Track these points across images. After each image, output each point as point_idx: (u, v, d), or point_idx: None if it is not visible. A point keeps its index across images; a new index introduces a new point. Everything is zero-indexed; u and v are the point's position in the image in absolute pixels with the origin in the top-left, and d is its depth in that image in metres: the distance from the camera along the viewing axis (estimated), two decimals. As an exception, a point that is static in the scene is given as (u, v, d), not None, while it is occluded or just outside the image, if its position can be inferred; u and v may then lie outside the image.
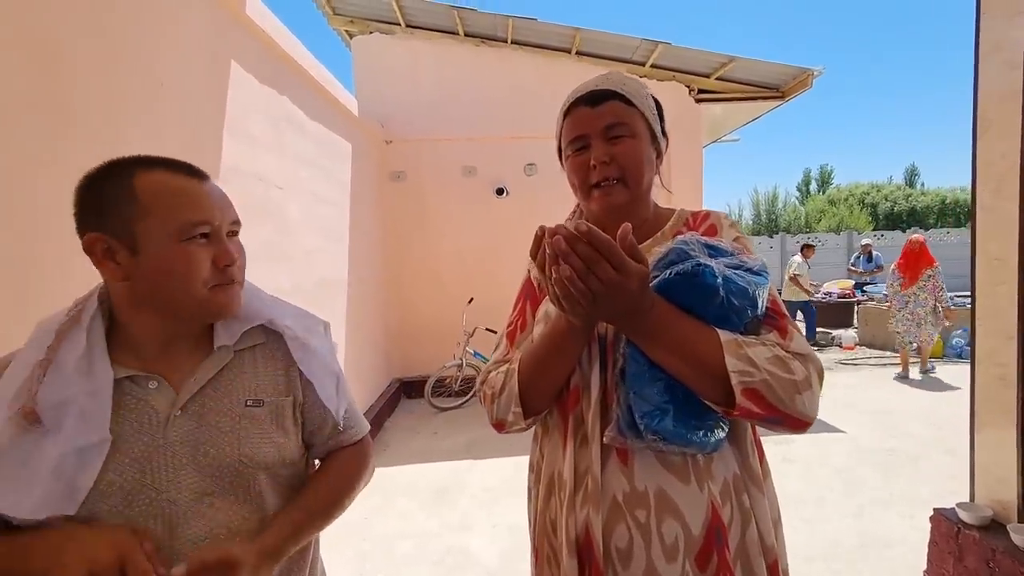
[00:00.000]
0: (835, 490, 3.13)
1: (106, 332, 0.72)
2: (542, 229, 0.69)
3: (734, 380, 0.69)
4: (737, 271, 0.74)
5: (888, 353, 7.04)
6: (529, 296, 0.98)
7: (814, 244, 8.03)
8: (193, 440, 0.72)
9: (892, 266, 5.93)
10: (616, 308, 0.69)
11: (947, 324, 5.71)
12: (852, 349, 7.42)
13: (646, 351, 0.74)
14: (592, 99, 0.85)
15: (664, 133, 0.92)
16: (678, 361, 0.72)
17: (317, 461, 0.91)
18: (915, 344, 5.73)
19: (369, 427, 0.96)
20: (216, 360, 0.77)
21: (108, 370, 0.69)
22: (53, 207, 1.42)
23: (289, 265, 3.01)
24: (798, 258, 7.52)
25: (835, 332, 7.79)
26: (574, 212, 1.01)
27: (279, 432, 0.79)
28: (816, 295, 8.16)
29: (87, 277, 1.44)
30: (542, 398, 0.84)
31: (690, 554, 0.76)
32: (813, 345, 6.99)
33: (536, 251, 0.70)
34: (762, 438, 0.88)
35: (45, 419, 0.65)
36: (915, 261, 5.67)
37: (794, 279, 7.28)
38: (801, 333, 0.79)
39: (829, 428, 4.17)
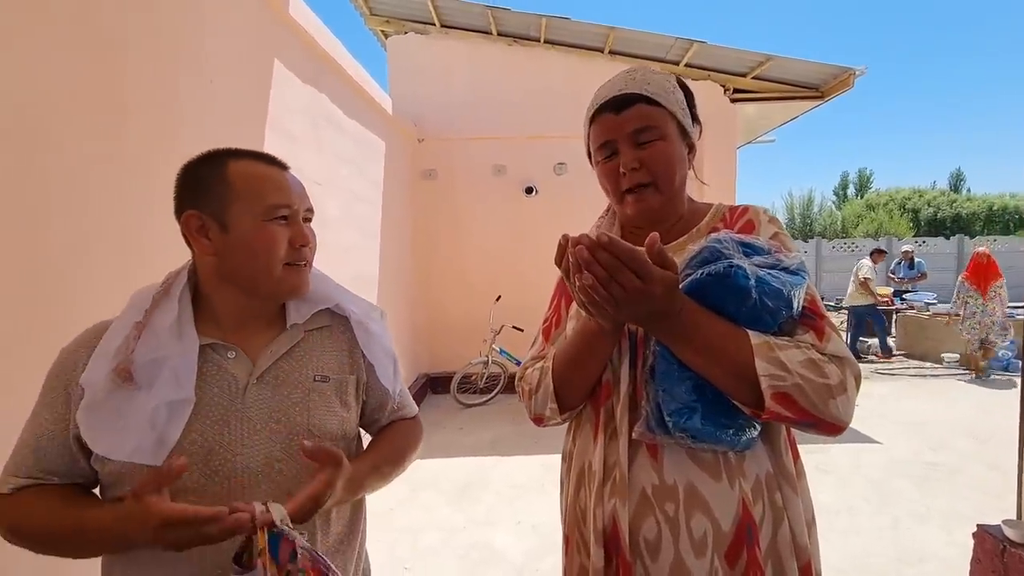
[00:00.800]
0: (870, 502, 3.04)
1: (192, 304, 0.79)
2: (565, 238, 0.70)
3: (764, 384, 0.69)
4: (772, 271, 0.73)
5: (928, 364, 6.78)
6: (564, 293, 0.99)
7: (885, 250, 7.86)
8: (268, 408, 0.78)
9: (960, 278, 6.25)
10: (641, 312, 0.69)
11: (1001, 342, 5.99)
12: (889, 359, 7.17)
13: (675, 352, 0.75)
14: (616, 104, 0.84)
15: (696, 120, 0.91)
16: (707, 362, 0.72)
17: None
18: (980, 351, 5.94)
19: (417, 408, 1.02)
20: (289, 337, 0.83)
21: (195, 336, 0.76)
22: (111, 201, 1.50)
23: (325, 260, 3.08)
24: (868, 262, 7.30)
25: (872, 341, 7.53)
26: (607, 211, 1.01)
27: (342, 407, 0.85)
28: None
29: (146, 266, 1.53)
30: (576, 394, 0.86)
31: (719, 550, 0.76)
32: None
33: (560, 259, 0.72)
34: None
35: (138, 376, 0.71)
36: (984, 273, 5.91)
37: (865, 283, 7.10)
38: (840, 335, 0.77)
39: (864, 438, 4.05)
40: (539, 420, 0.91)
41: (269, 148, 2.39)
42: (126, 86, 1.57)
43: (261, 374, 0.79)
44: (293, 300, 0.85)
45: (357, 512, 0.90)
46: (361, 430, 0.94)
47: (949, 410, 4.82)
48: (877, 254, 7.55)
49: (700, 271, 0.74)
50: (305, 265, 0.82)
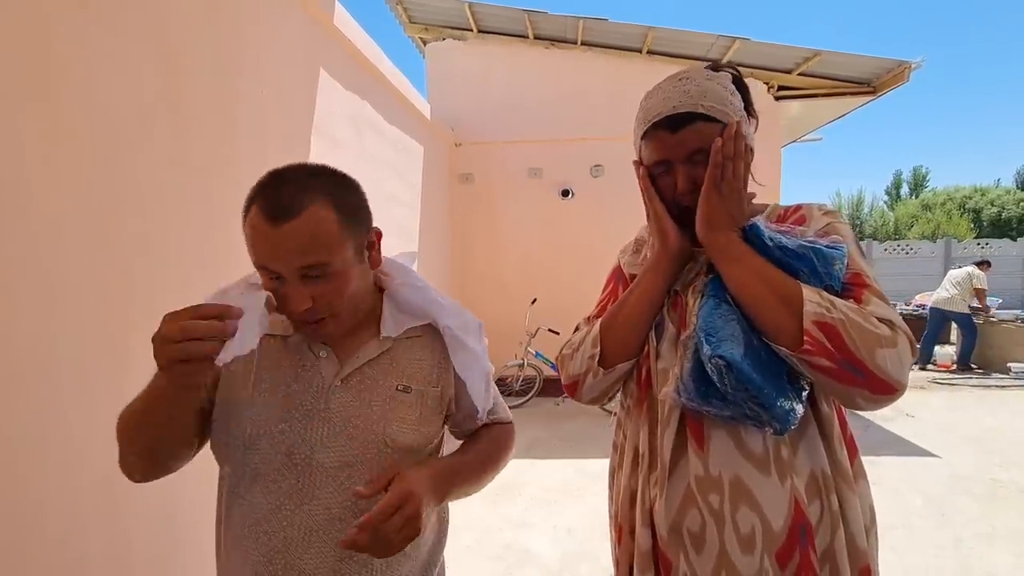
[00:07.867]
0: (928, 519, 2.87)
1: None
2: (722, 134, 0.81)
3: (808, 308, 0.69)
4: (801, 241, 0.77)
5: (995, 373, 6.37)
6: (621, 279, 0.99)
7: (990, 262, 7.53)
8: (348, 412, 0.78)
9: None
10: (728, 209, 0.79)
11: None
12: (949, 367, 6.77)
13: (728, 272, 0.77)
14: (672, 123, 0.80)
15: (753, 114, 0.88)
16: (757, 283, 0.74)
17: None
18: None
19: (512, 418, 0.98)
20: (379, 343, 0.82)
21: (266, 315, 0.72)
22: (174, 202, 1.58)
23: (365, 261, 3.16)
24: (980, 271, 7.02)
25: (943, 350, 7.12)
26: (634, 242, 1.03)
27: (420, 419, 0.82)
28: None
29: (206, 265, 1.59)
30: (620, 341, 0.86)
31: (769, 549, 0.74)
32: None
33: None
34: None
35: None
36: None
37: (981, 292, 6.85)
38: (886, 301, 0.73)
39: (920, 451, 3.82)
40: (574, 385, 0.89)
41: (314, 153, 2.47)
42: (189, 96, 1.66)
43: (346, 377, 0.79)
44: (389, 310, 0.83)
45: (441, 527, 0.92)
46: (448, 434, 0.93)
47: (1017, 423, 4.50)
48: (985, 265, 7.25)
49: None
50: (317, 321, 0.74)
